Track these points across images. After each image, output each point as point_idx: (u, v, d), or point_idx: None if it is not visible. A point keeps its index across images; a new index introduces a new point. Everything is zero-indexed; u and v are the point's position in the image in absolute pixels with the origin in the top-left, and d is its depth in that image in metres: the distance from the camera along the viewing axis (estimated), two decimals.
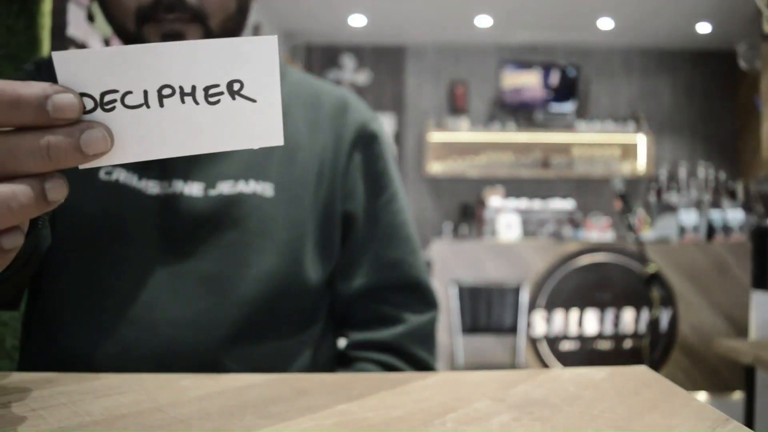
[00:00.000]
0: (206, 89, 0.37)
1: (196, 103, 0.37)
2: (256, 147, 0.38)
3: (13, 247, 0.34)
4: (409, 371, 0.76)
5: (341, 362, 0.81)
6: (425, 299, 0.82)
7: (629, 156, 6.07)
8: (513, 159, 5.92)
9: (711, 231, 3.92)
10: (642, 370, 0.57)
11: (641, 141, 6.03)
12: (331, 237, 0.78)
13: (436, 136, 5.84)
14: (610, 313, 3.52)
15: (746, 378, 2.14)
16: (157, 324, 0.68)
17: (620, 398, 0.48)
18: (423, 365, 0.79)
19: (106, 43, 1.73)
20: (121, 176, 0.73)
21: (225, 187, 0.73)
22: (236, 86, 0.37)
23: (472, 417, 0.43)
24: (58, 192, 0.34)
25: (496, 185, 5.81)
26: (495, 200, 5.37)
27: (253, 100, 0.37)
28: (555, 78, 5.89)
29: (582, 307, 3.51)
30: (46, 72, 0.79)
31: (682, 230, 3.94)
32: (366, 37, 5.79)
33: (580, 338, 3.50)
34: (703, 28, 5.55)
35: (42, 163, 0.33)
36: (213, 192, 0.73)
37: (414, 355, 0.78)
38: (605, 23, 5.48)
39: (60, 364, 0.67)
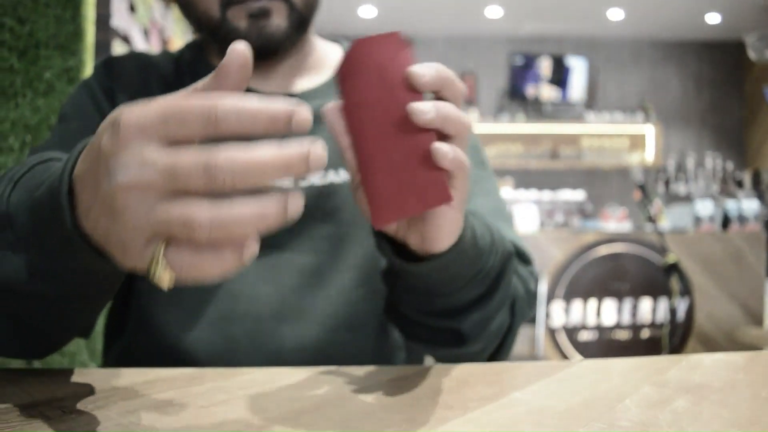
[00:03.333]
0: None
1: None
2: None
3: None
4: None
5: None
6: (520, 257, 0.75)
7: (638, 146, 6.07)
8: (522, 150, 5.91)
9: (726, 221, 3.93)
10: None
11: (650, 131, 6.03)
12: None
13: None
14: (627, 303, 3.52)
15: None
16: (262, 318, 0.68)
17: None
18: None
19: (146, 33, 1.72)
20: None
21: (316, 178, 0.73)
22: None
23: (651, 401, 0.42)
24: (299, 207, 0.34)
25: (505, 176, 5.80)
26: (505, 191, 5.37)
27: None
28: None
29: (600, 298, 3.51)
30: (114, 69, 0.77)
31: (697, 220, 3.94)
32: (375, 28, 5.77)
33: (599, 328, 3.51)
34: (713, 18, 5.54)
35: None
36: (304, 183, 0.72)
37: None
38: (615, 14, 5.46)
39: (162, 360, 0.66)
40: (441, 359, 0.64)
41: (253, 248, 0.33)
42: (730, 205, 3.95)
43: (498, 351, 0.65)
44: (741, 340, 2.28)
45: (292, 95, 0.76)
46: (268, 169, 0.32)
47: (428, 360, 0.74)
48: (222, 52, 0.77)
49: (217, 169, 0.31)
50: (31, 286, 0.44)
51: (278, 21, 0.69)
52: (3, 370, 0.53)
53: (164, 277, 0.33)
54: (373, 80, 0.41)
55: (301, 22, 0.73)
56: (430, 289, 0.55)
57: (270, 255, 0.70)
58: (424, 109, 0.40)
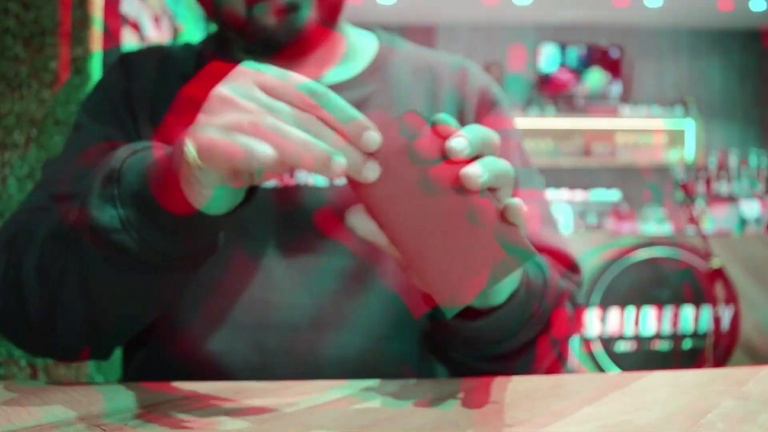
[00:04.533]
0: None
1: None
2: None
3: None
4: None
5: None
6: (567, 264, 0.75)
7: (677, 143, 6.01)
8: (552, 146, 5.88)
9: None
10: None
11: (689, 127, 5.97)
12: None
13: None
14: (668, 312, 3.49)
15: None
16: (299, 327, 0.67)
17: None
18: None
19: (156, 21, 1.73)
20: None
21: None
22: None
23: (735, 416, 0.42)
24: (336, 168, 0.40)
25: None
26: None
27: None
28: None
29: (639, 305, 3.48)
30: (131, 67, 0.77)
31: (743, 222, 3.90)
32: (395, 16, 5.76)
33: (637, 338, 3.48)
34: (758, 5, 5.47)
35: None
36: (339, 180, 0.72)
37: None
38: (652, 0, 5.42)
39: (191, 371, 0.65)
40: None
41: (270, 152, 0.39)
42: None
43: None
44: None
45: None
46: (296, 145, 0.39)
47: None
48: (249, 48, 0.76)
49: (268, 122, 0.40)
50: (119, 237, 0.51)
51: (307, 13, 0.69)
52: (32, 386, 0.54)
53: (191, 149, 0.42)
54: (401, 167, 0.39)
55: (331, 11, 0.73)
56: (483, 337, 0.56)
57: (304, 259, 0.69)
58: (478, 172, 0.39)
